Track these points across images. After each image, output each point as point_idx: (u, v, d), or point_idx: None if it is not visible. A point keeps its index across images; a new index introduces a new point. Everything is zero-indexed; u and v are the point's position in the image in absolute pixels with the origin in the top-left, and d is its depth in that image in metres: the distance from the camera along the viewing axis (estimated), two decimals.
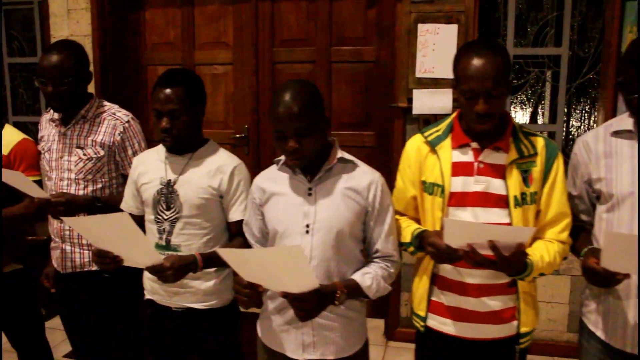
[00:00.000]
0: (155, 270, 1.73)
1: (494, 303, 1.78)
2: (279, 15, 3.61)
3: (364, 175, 1.77)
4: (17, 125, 4.03)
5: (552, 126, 3.28)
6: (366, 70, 3.53)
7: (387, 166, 3.09)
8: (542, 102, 3.32)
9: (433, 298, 1.85)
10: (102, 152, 2.17)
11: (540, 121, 3.33)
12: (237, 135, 3.74)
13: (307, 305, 1.55)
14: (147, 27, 3.86)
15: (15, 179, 1.98)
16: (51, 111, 2.28)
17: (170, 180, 1.96)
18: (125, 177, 2.22)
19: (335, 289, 1.62)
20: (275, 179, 1.81)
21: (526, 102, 3.33)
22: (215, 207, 1.96)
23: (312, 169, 1.74)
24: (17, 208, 2.19)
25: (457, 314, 1.81)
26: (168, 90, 1.88)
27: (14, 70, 4.10)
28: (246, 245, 1.91)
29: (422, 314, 1.87)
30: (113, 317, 2.25)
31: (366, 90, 3.54)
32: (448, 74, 3.11)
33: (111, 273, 2.15)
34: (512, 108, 3.33)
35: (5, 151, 2.26)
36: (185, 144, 1.96)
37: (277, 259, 1.50)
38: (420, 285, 1.87)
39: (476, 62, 1.66)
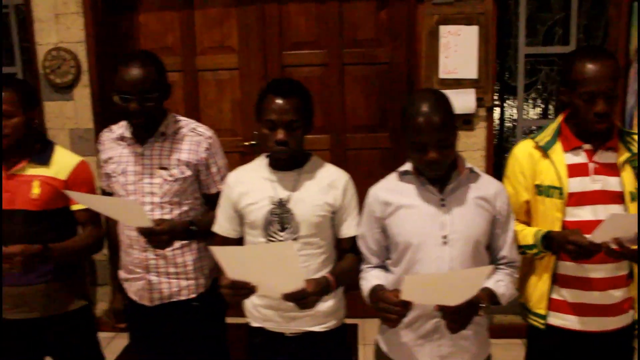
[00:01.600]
0: (296, 297, 1.65)
1: (617, 294, 1.87)
2: (287, 17, 3.53)
3: (490, 184, 1.79)
4: None
5: None
6: (379, 71, 3.53)
7: None
8: (553, 98, 3.48)
9: (554, 296, 1.91)
10: (188, 172, 2.02)
11: (551, 116, 3.49)
12: (246, 143, 3.63)
13: (461, 318, 1.56)
14: (142, 32, 3.64)
15: (101, 204, 1.84)
16: (114, 129, 2.11)
17: (281, 199, 1.86)
18: (207, 197, 2.09)
19: (480, 300, 1.63)
20: (399, 190, 1.78)
21: (537, 99, 3.48)
22: (329, 224, 1.89)
23: (439, 179, 1.73)
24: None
25: (581, 309, 1.88)
26: (285, 100, 1.79)
27: None
28: (359, 262, 1.88)
29: (542, 312, 1.92)
30: (203, 346, 2.12)
31: (379, 91, 3.55)
32: (470, 74, 3.24)
33: (198, 301, 2.07)
34: (524, 105, 3.46)
35: (62, 176, 2.06)
36: (296, 159, 1.88)
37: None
38: (540, 285, 1.93)
39: (594, 65, 1.75)
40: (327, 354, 1.96)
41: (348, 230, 1.91)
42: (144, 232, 1.85)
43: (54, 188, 2.04)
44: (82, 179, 2.10)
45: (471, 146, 3.35)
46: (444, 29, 3.23)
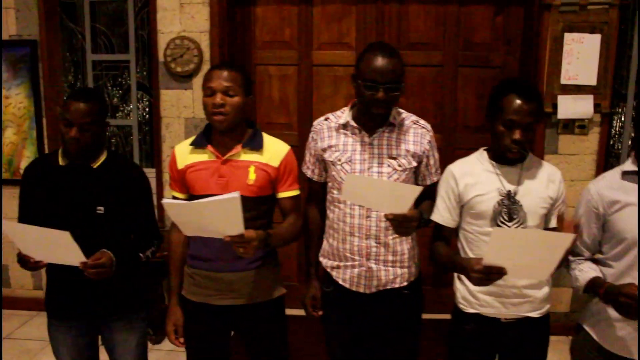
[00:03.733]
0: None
1: None
2: (406, 18, 3.60)
3: None
4: None
5: None
6: (492, 75, 3.63)
7: None
8: None
9: None
10: (414, 163, 2.08)
11: None
12: None
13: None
14: (258, 24, 3.68)
15: None
16: (332, 118, 2.15)
17: (509, 191, 1.96)
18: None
19: None
20: (623, 188, 1.88)
21: None
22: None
23: None
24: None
25: None
26: (526, 103, 1.89)
27: (99, 67, 3.72)
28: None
29: None
30: (404, 334, 2.20)
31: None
32: (590, 81, 3.36)
33: (409, 289, 2.14)
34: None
35: (275, 162, 2.10)
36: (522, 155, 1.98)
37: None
38: None
39: None
40: (540, 340, 2.07)
41: (554, 220, 2.02)
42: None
43: (268, 174, 2.08)
44: (290, 167, 2.15)
45: (584, 150, 3.48)
46: (568, 36, 3.34)
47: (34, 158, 3.05)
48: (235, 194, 1.74)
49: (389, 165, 2.06)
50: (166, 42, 3.49)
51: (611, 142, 3.54)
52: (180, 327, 2.17)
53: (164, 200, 1.80)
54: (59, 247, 1.87)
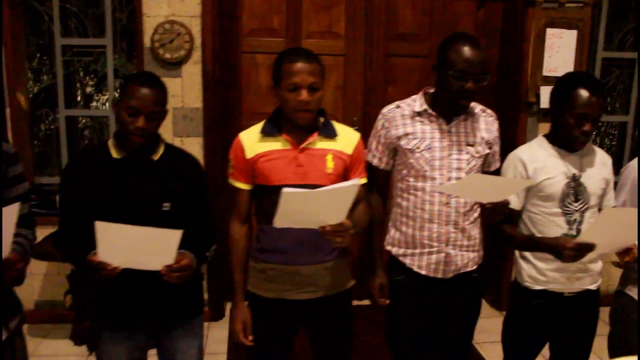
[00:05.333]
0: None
1: None
2: (393, 8, 3.65)
3: None
4: (70, 120, 3.43)
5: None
6: None
7: None
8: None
9: None
10: (486, 150, 2.12)
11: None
12: None
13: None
14: (246, 11, 3.55)
15: None
16: (403, 106, 2.13)
17: (575, 174, 2.09)
18: None
19: None
20: None
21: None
22: None
23: None
24: None
25: None
26: (595, 97, 2.01)
27: (70, 53, 3.40)
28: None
29: None
30: (469, 315, 2.25)
31: None
32: None
33: (477, 272, 2.19)
34: None
35: (349, 150, 2.05)
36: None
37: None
38: None
39: None
40: (595, 311, 2.23)
41: (611, 201, 2.19)
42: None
43: (344, 162, 2.03)
44: (362, 155, 2.11)
45: None
46: (549, 31, 3.56)
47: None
48: (357, 181, 1.69)
49: (467, 152, 2.09)
50: (153, 26, 3.26)
51: None
52: (249, 325, 2.06)
53: (285, 189, 1.67)
54: (154, 249, 1.69)
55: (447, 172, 2.07)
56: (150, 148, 1.95)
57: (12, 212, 1.47)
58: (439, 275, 2.13)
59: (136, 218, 1.78)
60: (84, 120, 3.46)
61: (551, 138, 2.17)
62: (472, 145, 2.10)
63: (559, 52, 3.58)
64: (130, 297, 1.92)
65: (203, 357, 2.19)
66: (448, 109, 2.08)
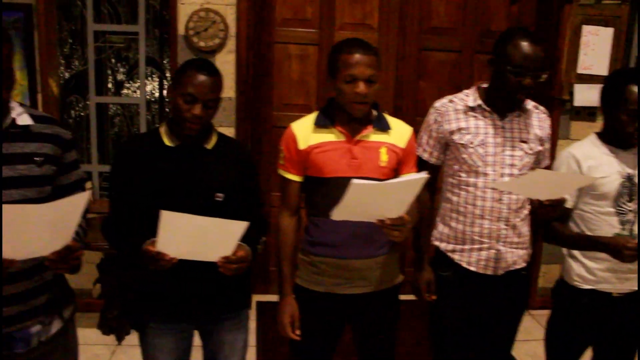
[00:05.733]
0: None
1: None
2: (427, 2, 3.61)
3: None
4: (100, 107, 3.39)
5: None
6: None
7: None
8: None
9: None
10: (539, 147, 2.10)
11: None
12: None
13: None
14: (279, 1, 3.51)
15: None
16: (456, 100, 2.11)
17: (629, 173, 2.06)
18: None
19: None
20: None
21: None
22: None
23: None
24: None
25: None
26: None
27: (102, 39, 3.36)
28: None
29: None
30: (514, 313, 2.23)
31: None
32: (602, 71, 3.59)
33: (525, 270, 2.17)
34: None
35: (402, 144, 2.02)
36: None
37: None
38: None
39: None
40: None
41: None
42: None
43: (397, 155, 2.01)
44: (414, 149, 2.10)
45: None
46: (585, 29, 3.53)
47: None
48: (424, 174, 1.67)
49: (521, 149, 2.07)
50: (188, 14, 3.23)
51: None
52: (297, 319, 2.04)
53: (355, 181, 1.64)
54: (216, 240, 1.66)
55: (500, 169, 2.05)
56: (204, 136, 1.92)
57: (82, 199, 1.44)
58: (489, 272, 2.11)
59: (188, 208, 1.73)
60: (114, 108, 3.42)
61: (603, 136, 2.14)
62: (525, 142, 2.08)
63: (595, 49, 3.55)
64: (182, 288, 1.90)
65: (247, 350, 2.17)
66: (502, 104, 2.06)
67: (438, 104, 2.15)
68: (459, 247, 2.14)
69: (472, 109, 2.09)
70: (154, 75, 3.42)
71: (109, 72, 3.38)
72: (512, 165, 2.06)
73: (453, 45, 3.68)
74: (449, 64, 3.69)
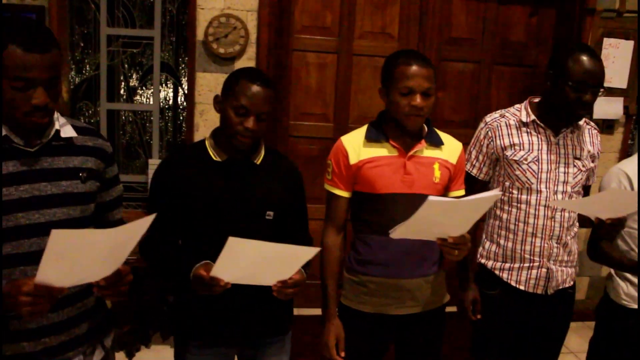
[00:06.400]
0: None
1: None
2: (447, 12, 3.56)
3: None
4: (111, 114, 3.27)
5: None
6: (525, 74, 3.71)
7: None
8: None
9: None
10: (591, 164, 2.06)
11: None
12: None
13: None
14: (298, 7, 3.42)
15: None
16: (507, 115, 2.07)
17: None
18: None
19: None
20: None
21: None
22: None
23: None
24: None
25: None
26: None
27: (115, 44, 3.24)
28: None
29: None
30: (559, 333, 2.18)
31: (523, 92, 3.72)
32: (621, 84, 3.57)
33: (572, 288, 2.11)
34: None
35: (453, 160, 1.94)
36: None
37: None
38: None
39: None
40: None
41: None
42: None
43: (449, 171, 1.93)
44: (464, 165, 2.03)
45: (608, 149, 3.68)
46: (606, 41, 3.50)
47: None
48: (497, 192, 1.60)
49: (574, 166, 2.02)
50: (208, 19, 3.12)
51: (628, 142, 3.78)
52: (342, 340, 1.95)
53: (431, 198, 1.54)
54: (278, 265, 1.54)
55: (553, 186, 1.99)
56: (253, 151, 1.81)
57: (145, 224, 1.32)
58: (539, 291, 2.05)
59: (237, 226, 1.64)
60: (126, 114, 3.29)
61: None
62: (579, 159, 2.03)
63: (615, 62, 3.53)
64: (228, 310, 1.79)
65: None
66: (557, 120, 2.00)
67: (489, 118, 2.09)
68: (507, 265, 2.07)
69: (526, 124, 2.03)
70: (168, 82, 3.30)
71: (122, 77, 3.25)
72: (565, 182, 2.01)
73: (472, 56, 3.63)
74: (468, 75, 3.64)
